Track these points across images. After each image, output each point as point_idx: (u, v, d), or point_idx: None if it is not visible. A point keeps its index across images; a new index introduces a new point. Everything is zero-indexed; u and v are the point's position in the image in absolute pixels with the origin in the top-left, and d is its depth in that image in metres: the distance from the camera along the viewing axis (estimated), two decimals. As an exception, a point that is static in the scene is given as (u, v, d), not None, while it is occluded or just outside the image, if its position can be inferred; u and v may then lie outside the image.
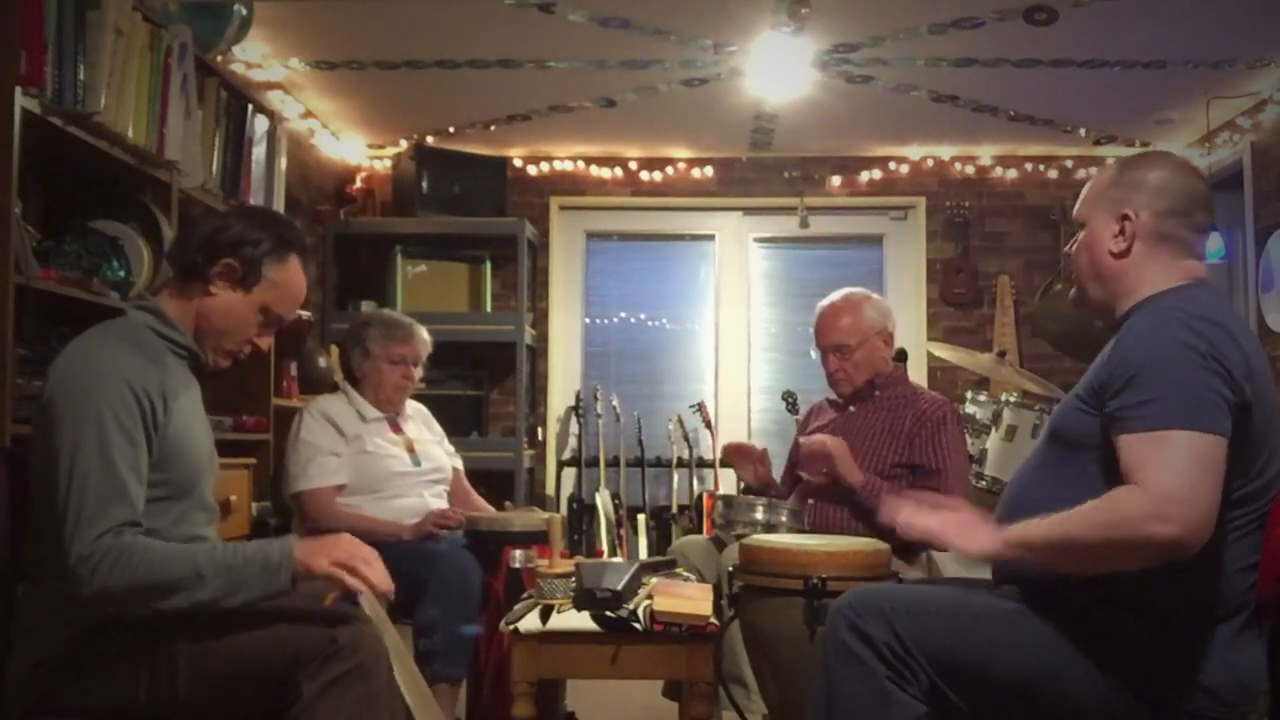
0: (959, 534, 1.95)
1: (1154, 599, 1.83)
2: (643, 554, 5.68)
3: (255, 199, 3.95)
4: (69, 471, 1.89)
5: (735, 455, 3.51)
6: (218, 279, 2.13)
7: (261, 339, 2.22)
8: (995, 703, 1.89)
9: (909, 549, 3.15)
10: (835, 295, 3.44)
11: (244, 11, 3.88)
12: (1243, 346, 1.84)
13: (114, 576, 1.86)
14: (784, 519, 3.12)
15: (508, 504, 3.87)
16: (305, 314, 4.71)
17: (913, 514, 2.02)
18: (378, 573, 1.98)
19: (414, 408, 3.68)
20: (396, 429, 3.55)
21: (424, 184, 5.69)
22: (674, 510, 5.91)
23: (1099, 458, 1.88)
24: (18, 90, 2.65)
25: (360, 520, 3.32)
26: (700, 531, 5.42)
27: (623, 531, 5.75)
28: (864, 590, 1.97)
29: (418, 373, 3.58)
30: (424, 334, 3.60)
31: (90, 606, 1.89)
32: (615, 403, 6.01)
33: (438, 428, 3.75)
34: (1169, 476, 1.72)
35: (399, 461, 3.47)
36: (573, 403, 6.12)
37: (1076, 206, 2.11)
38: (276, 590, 1.92)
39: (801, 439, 3.33)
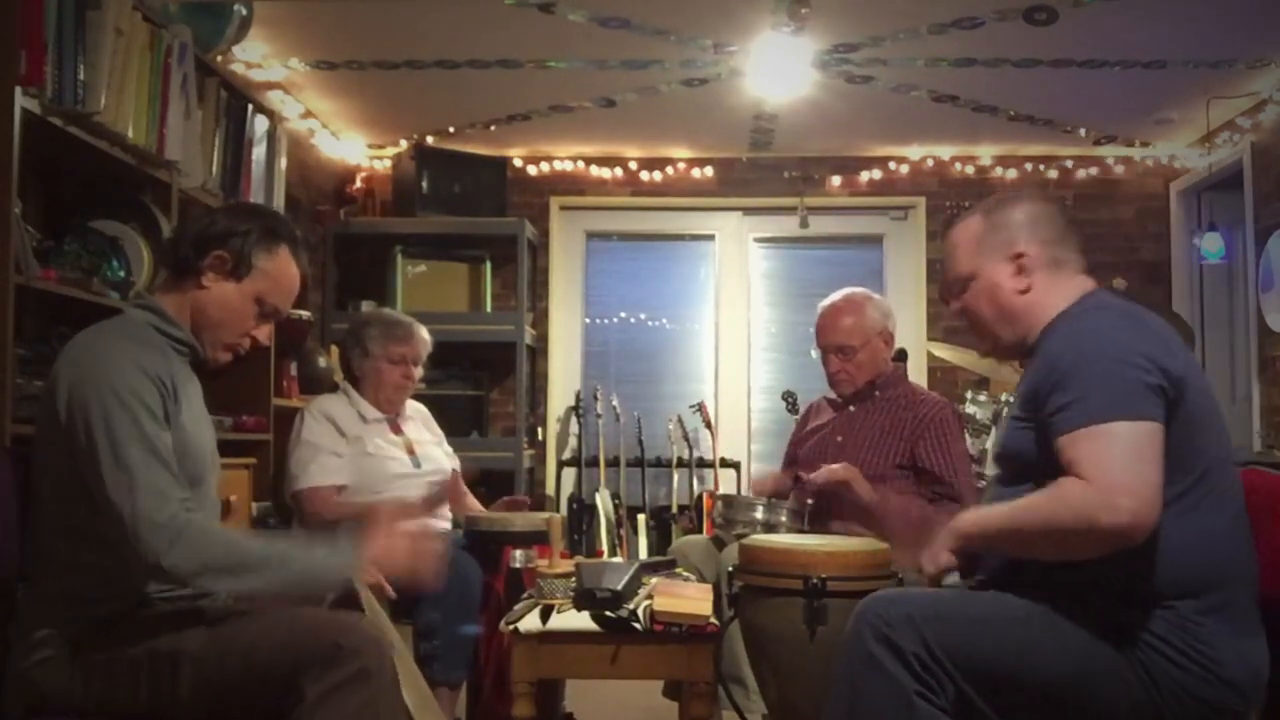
0: (927, 558, 2.03)
1: (1160, 587, 1.85)
2: (643, 554, 5.68)
3: (255, 199, 3.94)
4: (114, 460, 1.90)
5: (769, 491, 3.47)
6: (209, 271, 2.14)
7: (260, 331, 2.23)
8: (1025, 706, 1.87)
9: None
10: (837, 295, 3.43)
11: (244, 11, 3.88)
12: (1160, 336, 1.91)
13: (191, 554, 1.89)
14: (784, 519, 3.12)
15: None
16: (305, 314, 4.71)
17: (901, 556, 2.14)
18: (436, 562, 2.12)
19: (414, 408, 3.68)
20: (397, 430, 3.55)
21: (424, 184, 5.68)
22: (674, 510, 5.91)
23: (1047, 468, 1.90)
24: (18, 90, 2.65)
25: (362, 509, 3.32)
26: (700, 531, 5.42)
27: (623, 531, 5.75)
28: (888, 596, 1.94)
29: (418, 372, 3.58)
30: (424, 333, 3.60)
31: (154, 577, 1.94)
32: (615, 403, 6.01)
33: (437, 428, 3.75)
34: (1111, 467, 1.77)
35: (399, 463, 3.47)
36: (573, 403, 6.12)
37: (953, 264, 2.16)
38: (339, 585, 2.02)
39: (810, 476, 3.26)
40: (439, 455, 3.63)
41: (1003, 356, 2.19)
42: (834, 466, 3.19)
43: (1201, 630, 1.84)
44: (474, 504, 3.67)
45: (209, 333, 2.17)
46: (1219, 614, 1.85)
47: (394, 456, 3.47)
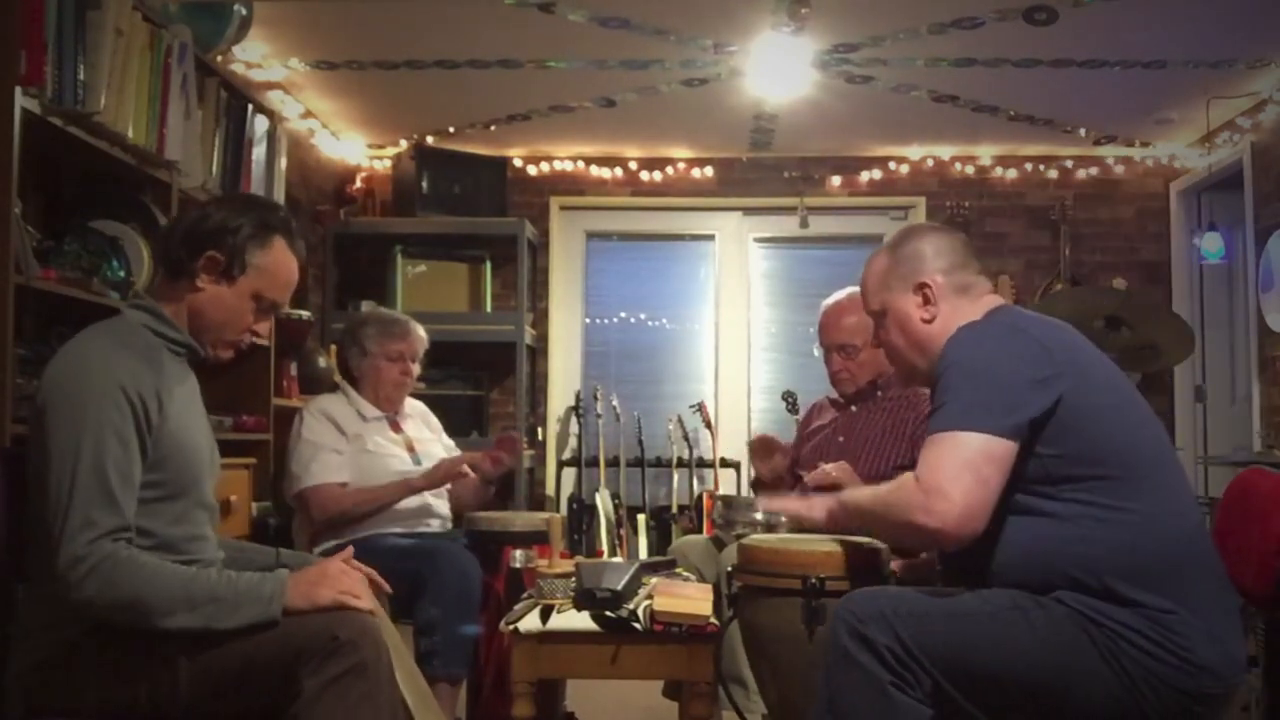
0: (805, 507, 2.32)
1: (1115, 585, 1.87)
2: (643, 554, 5.68)
3: (255, 199, 3.94)
4: (59, 476, 1.89)
5: (761, 448, 3.47)
6: (203, 273, 2.10)
7: (260, 325, 2.20)
8: (1002, 702, 1.89)
9: (906, 550, 3.14)
10: (841, 294, 3.43)
11: (244, 11, 3.88)
12: (1044, 348, 1.97)
13: (103, 587, 1.86)
14: (783, 519, 3.11)
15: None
16: (305, 314, 4.71)
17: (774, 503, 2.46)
18: (367, 591, 2.05)
19: (413, 406, 3.68)
20: (396, 428, 3.55)
21: (424, 184, 5.69)
22: (674, 510, 5.91)
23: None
24: (18, 90, 2.65)
25: (366, 493, 3.32)
26: (700, 531, 5.42)
27: (623, 531, 5.75)
28: (863, 594, 1.97)
29: (415, 369, 3.58)
30: (420, 330, 3.60)
31: (75, 611, 1.90)
32: (615, 403, 6.01)
33: (436, 423, 3.75)
34: (935, 474, 1.90)
35: (400, 460, 3.47)
36: (573, 403, 6.12)
37: (866, 301, 2.30)
38: (264, 623, 1.92)
39: (807, 477, 3.28)
40: (439, 452, 3.63)
41: (920, 384, 2.31)
42: (827, 467, 3.19)
43: (1172, 620, 1.85)
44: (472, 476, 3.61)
45: (209, 333, 2.15)
46: (1188, 605, 1.87)
47: (394, 454, 3.47)
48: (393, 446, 3.49)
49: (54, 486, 1.89)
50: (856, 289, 3.42)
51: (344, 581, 2.01)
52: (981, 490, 1.88)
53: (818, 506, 2.29)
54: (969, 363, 1.98)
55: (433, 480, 3.38)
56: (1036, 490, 1.94)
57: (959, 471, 1.88)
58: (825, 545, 2.45)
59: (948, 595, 1.99)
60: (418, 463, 3.50)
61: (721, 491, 5.78)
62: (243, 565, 2.24)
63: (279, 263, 2.15)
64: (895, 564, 2.43)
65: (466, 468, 3.44)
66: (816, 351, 3.44)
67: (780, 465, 3.43)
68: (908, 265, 2.20)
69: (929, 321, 2.17)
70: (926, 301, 2.17)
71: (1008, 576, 1.94)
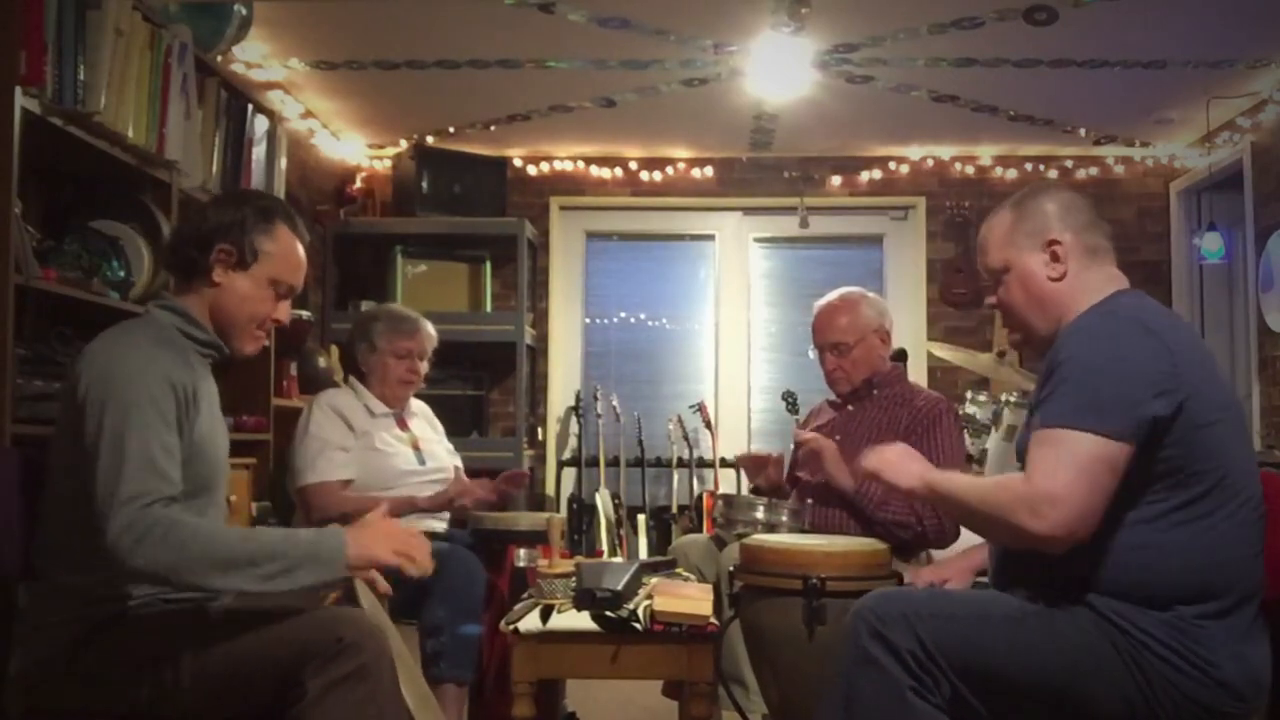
0: (891, 470, 2.11)
1: (1162, 592, 1.84)
2: (643, 554, 5.68)
3: (255, 199, 3.95)
4: (111, 450, 1.90)
5: (750, 464, 3.49)
6: (218, 267, 2.15)
7: (281, 312, 2.24)
8: (1020, 708, 1.87)
9: (907, 549, 3.15)
10: (832, 294, 3.44)
11: (244, 11, 3.88)
12: (1169, 350, 1.88)
13: (160, 550, 1.85)
14: (784, 519, 3.12)
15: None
16: (305, 314, 4.71)
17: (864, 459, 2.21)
18: (425, 552, 2.02)
19: (417, 405, 3.68)
20: (403, 425, 3.55)
21: (424, 184, 5.69)
22: (674, 510, 5.91)
23: None
24: (18, 90, 2.66)
25: (369, 502, 3.31)
26: (700, 531, 5.42)
27: (623, 531, 5.75)
28: (884, 594, 1.95)
29: (423, 367, 3.58)
30: (430, 329, 3.60)
31: (130, 578, 1.91)
32: (615, 403, 6.01)
33: (439, 425, 3.75)
34: (1048, 475, 1.82)
35: (405, 460, 3.46)
36: (573, 403, 6.12)
37: (985, 259, 2.16)
38: (327, 582, 1.95)
39: (796, 431, 3.32)
40: (442, 453, 3.63)
41: (1034, 347, 2.15)
42: (812, 435, 3.21)
43: (1200, 633, 1.83)
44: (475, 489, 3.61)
45: (235, 327, 2.19)
46: (1220, 618, 1.84)
47: (400, 453, 3.47)
48: (399, 445, 3.48)
49: (104, 459, 1.90)
50: (847, 288, 3.47)
51: (402, 540, 2.00)
52: (1095, 496, 1.80)
53: (909, 475, 2.09)
54: (1092, 357, 1.87)
55: (436, 504, 3.39)
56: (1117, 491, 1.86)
57: (1071, 474, 1.80)
58: (826, 545, 2.46)
59: (969, 597, 1.97)
60: (422, 462, 3.50)
61: (721, 491, 5.78)
62: None
63: (287, 246, 2.21)
64: (912, 574, 2.42)
65: (467, 501, 3.44)
66: (811, 353, 3.44)
67: (775, 477, 3.43)
68: (1034, 222, 2.08)
69: (1056, 280, 2.05)
70: (1054, 259, 2.05)
71: (1054, 579, 1.89)
